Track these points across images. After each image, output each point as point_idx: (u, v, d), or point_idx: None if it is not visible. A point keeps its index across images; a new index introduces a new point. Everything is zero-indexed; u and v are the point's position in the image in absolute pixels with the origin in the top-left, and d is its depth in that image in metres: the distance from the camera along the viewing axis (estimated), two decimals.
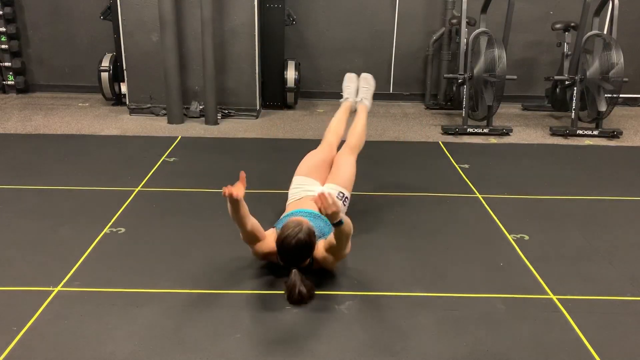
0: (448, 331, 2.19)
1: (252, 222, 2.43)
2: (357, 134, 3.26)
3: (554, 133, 5.01)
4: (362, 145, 3.26)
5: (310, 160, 3.10)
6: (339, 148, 3.23)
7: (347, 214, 2.93)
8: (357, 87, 3.50)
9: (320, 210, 2.17)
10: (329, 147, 3.21)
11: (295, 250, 2.29)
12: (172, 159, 4.12)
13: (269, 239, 2.49)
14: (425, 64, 6.06)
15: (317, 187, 2.92)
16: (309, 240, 2.30)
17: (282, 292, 2.42)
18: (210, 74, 5.02)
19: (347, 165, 3.06)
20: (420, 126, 5.28)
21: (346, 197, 2.92)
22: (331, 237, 2.36)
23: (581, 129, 4.96)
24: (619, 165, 4.28)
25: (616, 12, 4.97)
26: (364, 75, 3.49)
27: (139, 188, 3.53)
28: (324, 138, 3.29)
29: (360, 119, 3.35)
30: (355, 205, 3.13)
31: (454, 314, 2.31)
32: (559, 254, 2.84)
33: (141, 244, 2.83)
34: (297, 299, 2.24)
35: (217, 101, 5.15)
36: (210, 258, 2.71)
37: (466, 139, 4.86)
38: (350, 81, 3.52)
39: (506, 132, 4.99)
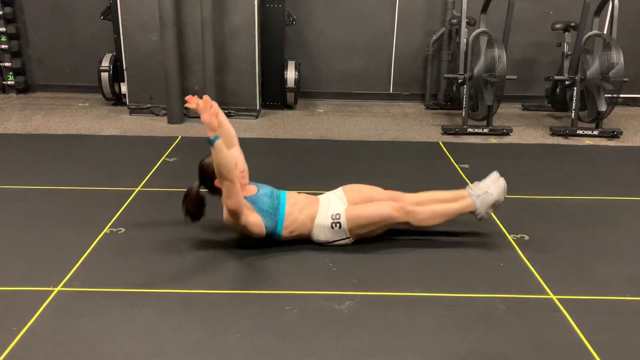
0: (448, 331, 2.19)
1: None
2: (431, 210, 2.84)
3: (554, 133, 5.01)
4: (421, 224, 2.83)
5: (361, 186, 2.96)
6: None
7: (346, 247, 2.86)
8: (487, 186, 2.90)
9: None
10: (391, 194, 2.93)
11: (198, 168, 2.79)
12: (172, 159, 4.12)
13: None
14: (425, 64, 6.06)
15: (336, 201, 2.84)
16: (206, 167, 2.73)
17: (282, 292, 2.43)
18: (210, 74, 5.02)
19: (375, 207, 2.79)
20: (420, 126, 5.29)
21: (338, 222, 2.74)
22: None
23: (581, 129, 4.96)
24: (619, 165, 4.28)
25: (616, 12, 4.97)
26: (501, 181, 2.88)
27: (139, 188, 3.53)
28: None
29: (454, 205, 2.86)
30: None
31: (454, 314, 2.31)
32: (559, 254, 2.84)
33: (141, 244, 2.83)
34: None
35: (217, 101, 5.14)
36: (211, 258, 2.71)
37: (466, 139, 4.86)
38: (489, 179, 2.92)
39: (506, 132, 4.99)
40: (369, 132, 5.03)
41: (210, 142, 2.46)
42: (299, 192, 2.98)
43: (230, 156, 2.56)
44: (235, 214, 2.60)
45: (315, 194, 2.96)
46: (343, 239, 2.80)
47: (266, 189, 2.84)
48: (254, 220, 2.68)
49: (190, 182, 3.59)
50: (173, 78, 5.03)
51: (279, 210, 2.73)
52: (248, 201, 2.70)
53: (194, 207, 2.75)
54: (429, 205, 2.86)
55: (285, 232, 2.76)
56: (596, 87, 4.89)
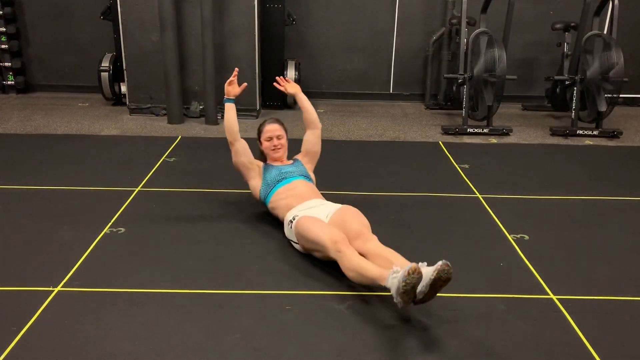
0: (448, 331, 2.19)
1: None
2: (357, 263, 2.34)
3: (554, 133, 5.01)
4: (342, 270, 2.41)
5: (353, 212, 2.75)
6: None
7: None
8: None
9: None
10: (361, 231, 2.58)
11: None
12: (172, 159, 4.12)
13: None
14: (425, 64, 6.06)
15: (321, 209, 2.79)
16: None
17: (282, 292, 2.43)
18: (210, 74, 5.02)
19: (322, 228, 2.55)
20: (420, 126, 5.29)
21: (292, 222, 2.71)
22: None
23: (581, 129, 4.96)
24: (619, 165, 4.28)
25: (616, 12, 4.98)
26: (424, 268, 2.14)
27: (139, 188, 3.53)
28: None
29: (373, 269, 2.28)
30: (356, 205, 3.12)
31: (454, 314, 2.31)
32: (559, 254, 2.84)
33: (141, 244, 2.83)
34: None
35: (217, 101, 5.15)
36: (210, 258, 2.71)
37: (466, 139, 4.86)
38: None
39: (506, 132, 4.99)
40: (369, 132, 5.03)
41: (224, 101, 3.28)
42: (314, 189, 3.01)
43: (232, 122, 3.18)
44: (239, 170, 3.14)
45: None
46: (295, 242, 2.73)
47: (288, 168, 3.07)
48: (253, 185, 3.12)
49: (190, 183, 3.60)
50: (173, 78, 5.03)
51: (275, 186, 2.98)
52: (264, 168, 3.11)
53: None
54: (370, 258, 2.42)
55: (270, 205, 3.02)
56: (596, 87, 4.90)
